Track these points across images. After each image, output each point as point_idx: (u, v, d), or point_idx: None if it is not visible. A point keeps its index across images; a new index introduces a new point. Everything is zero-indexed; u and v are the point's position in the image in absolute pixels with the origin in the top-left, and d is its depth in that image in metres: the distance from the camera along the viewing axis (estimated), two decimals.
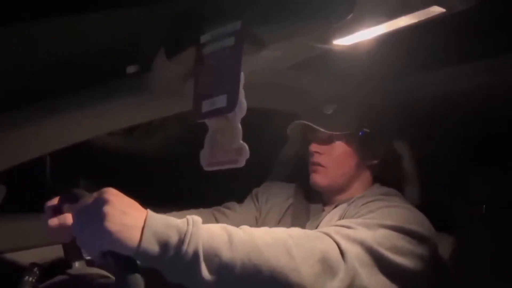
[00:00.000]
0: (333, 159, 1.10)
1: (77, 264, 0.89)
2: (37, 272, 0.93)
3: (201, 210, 1.22)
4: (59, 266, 0.87)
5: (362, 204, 1.01)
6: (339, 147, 1.10)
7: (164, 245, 0.64)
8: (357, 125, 1.11)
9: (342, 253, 0.79)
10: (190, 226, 0.67)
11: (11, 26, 0.79)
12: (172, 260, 0.64)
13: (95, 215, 0.63)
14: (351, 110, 1.13)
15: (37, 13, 0.78)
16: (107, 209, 0.62)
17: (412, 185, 1.23)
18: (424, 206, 1.14)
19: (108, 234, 0.61)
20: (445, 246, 1.15)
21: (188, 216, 0.69)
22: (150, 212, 0.66)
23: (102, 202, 0.63)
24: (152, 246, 0.63)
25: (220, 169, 0.71)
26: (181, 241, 0.65)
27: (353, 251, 0.80)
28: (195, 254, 0.65)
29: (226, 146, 0.69)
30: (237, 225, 1.19)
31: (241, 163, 0.66)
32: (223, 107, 0.67)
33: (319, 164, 1.11)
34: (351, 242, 0.81)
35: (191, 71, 0.79)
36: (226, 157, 0.69)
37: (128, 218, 0.63)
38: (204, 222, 1.14)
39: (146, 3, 0.80)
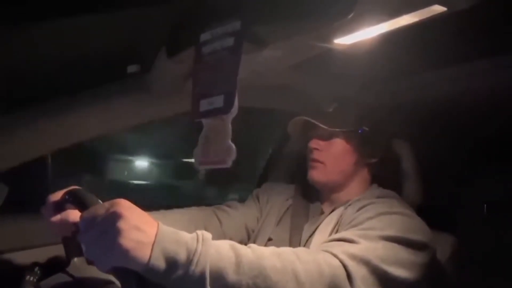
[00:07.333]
0: (331, 156, 1.11)
1: (76, 260, 0.89)
2: (38, 271, 0.93)
3: (203, 208, 1.21)
4: (58, 263, 0.87)
5: (359, 208, 1.00)
6: (338, 144, 1.11)
7: (172, 263, 0.64)
8: (356, 123, 1.12)
9: (349, 276, 0.79)
10: (200, 245, 0.66)
11: (12, 27, 0.79)
12: (179, 279, 0.64)
13: (108, 230, 0.62)
14: (351, 109, 1.14)
15: (37, 14, 0.78)
16: (121, 224, 0.61)
17: (412, 185, 1.23)
18: (424, 206, 1.13)
19: (121, 251, 0.61)
20: (445, 246, 1.15)
21: (199, 232, 0.69)
22: (160, 227, 0.65)
23: (115, 216, 0.62)
24: (160, 264, 0.63)
25: (212, 168, 0.71)
26: (189, 261, 0.64)
27: (360, 273, 0.81)
28: (202, 275, 0.65)
29: (217, 146, 0.69)
30: (238, 224, 1.21)
31: (228, 164, 0.66)
32: (220, 107, 0.67)
33: (318, 161, 1.12)
34: (356, 262, 0.81)
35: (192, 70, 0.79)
36: (216, 157, 0.69)
37: (141, 234, 0.63)
38: (205, 220, 1.16)
39: (147, 3, 0.80)
